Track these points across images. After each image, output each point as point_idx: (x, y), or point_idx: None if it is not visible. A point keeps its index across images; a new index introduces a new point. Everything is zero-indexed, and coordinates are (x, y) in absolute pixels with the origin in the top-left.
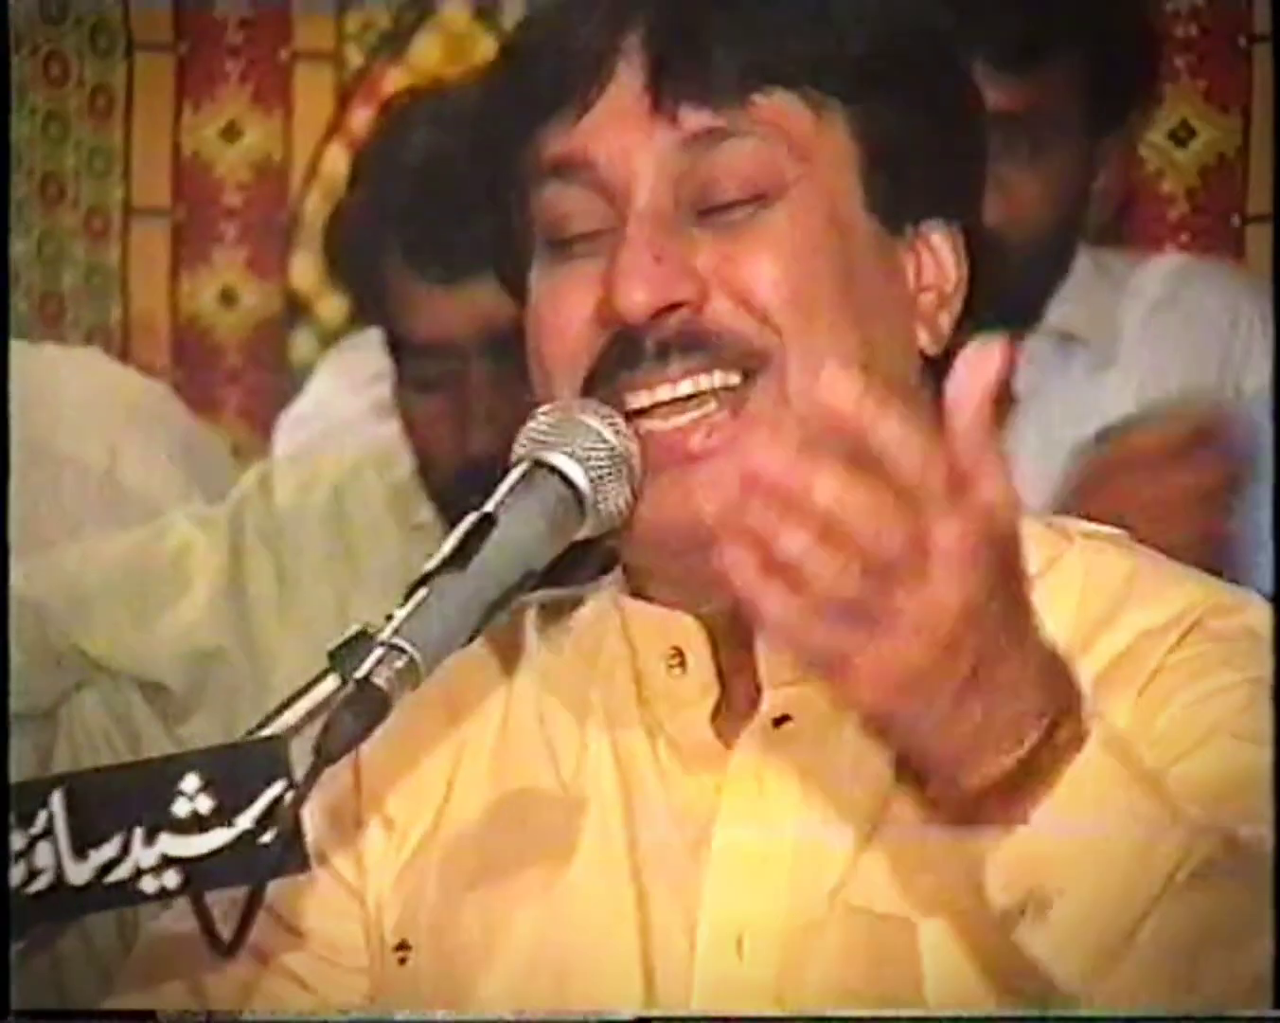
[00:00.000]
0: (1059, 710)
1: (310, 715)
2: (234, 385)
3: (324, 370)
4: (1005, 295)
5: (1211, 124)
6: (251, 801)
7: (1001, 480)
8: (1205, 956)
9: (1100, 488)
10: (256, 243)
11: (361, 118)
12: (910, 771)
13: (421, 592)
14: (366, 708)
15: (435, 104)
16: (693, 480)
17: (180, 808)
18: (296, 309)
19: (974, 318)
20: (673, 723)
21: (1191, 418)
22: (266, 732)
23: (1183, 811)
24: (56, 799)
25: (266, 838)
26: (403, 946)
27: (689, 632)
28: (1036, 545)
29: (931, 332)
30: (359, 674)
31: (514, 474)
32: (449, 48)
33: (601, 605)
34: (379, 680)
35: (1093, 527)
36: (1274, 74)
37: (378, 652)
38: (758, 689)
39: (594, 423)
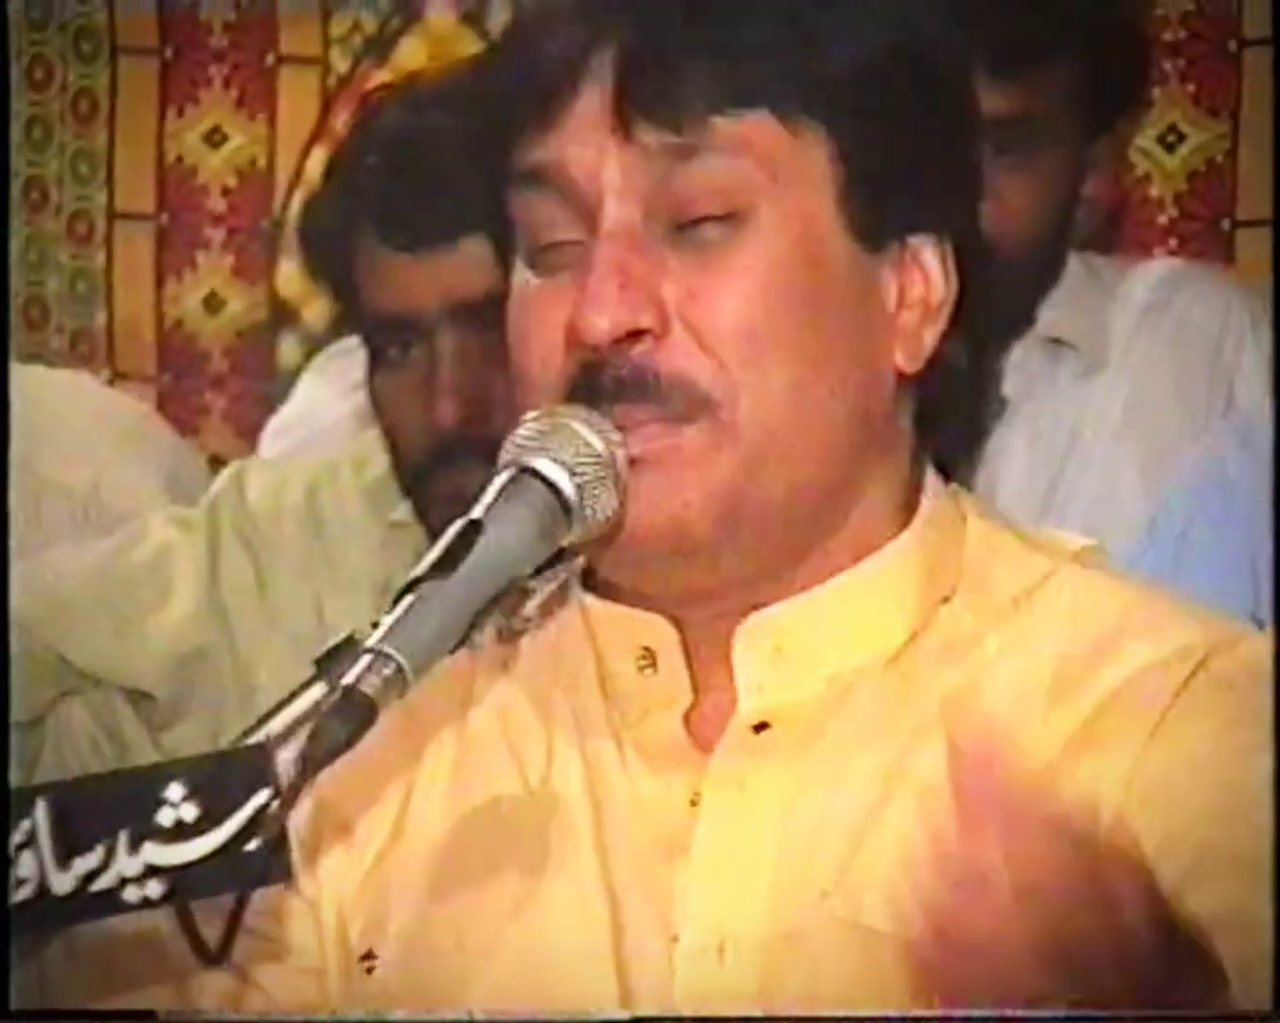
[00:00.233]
0: None
1: (296, 723)
2: (219, 391)
3: (309, 376)
4: (995, 301)
5: (1201, 128)
6: (236, 809)
7: None
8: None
9: None
10: (241, 248)
11: (346, 122)
12: None
13: (408, 598)
14: (353, 716)
15: (407, 90)
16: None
17: (164, 817)
18: (282, 315)
19: (965, 328)
20: (643, 725)
21: None
22: (252, 740)
23: None
24: (40, 808)
25: (251, 847)
26: (369, 955)
27: (661, 632)
28: (1017, 568)
29: (910, 349)
30: (346, 681)
31: (500, 480)
32: (435, 52)
33: (560, 602)
34: (366, 688)
35: (1077, 541)
36: (1273, 79)
37: (365, 659)
38: (733, 696)
39: (581, 429)
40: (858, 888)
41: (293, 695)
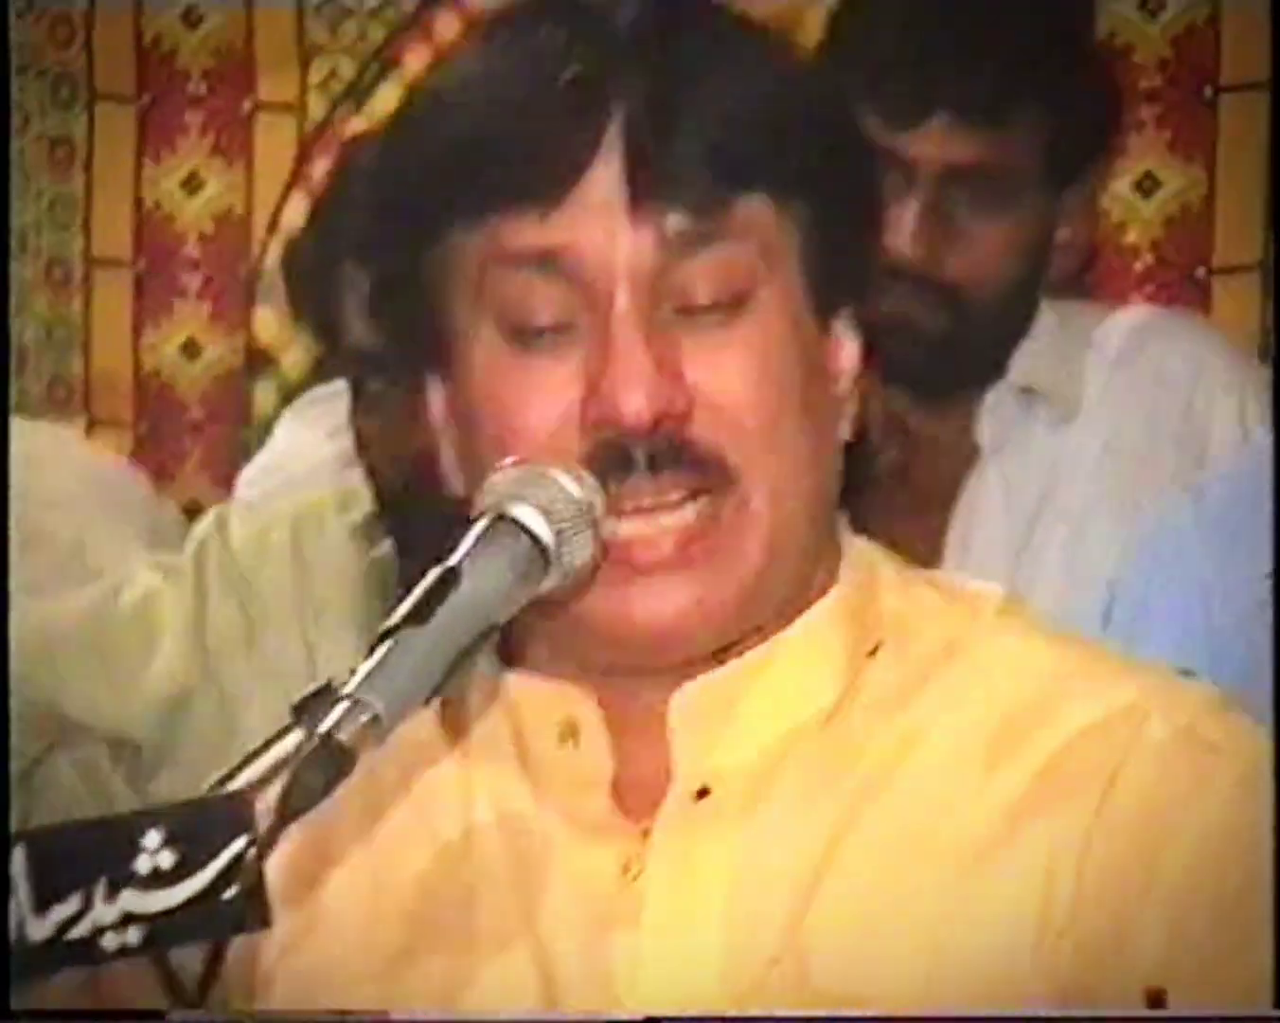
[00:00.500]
0: None
1: (274, 770)
2: (196, 438)
3: (286, 423)
4: (968, 350)
5: (1177, 175)
6: (214, 857)
7: None
8: None
9: None
10: (218, 295)
11: (324, 169)
12: None
13: (385, 646)
14: (331, 763)
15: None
16: (646, 591)
17: (142, 864)
18: (259, 362)
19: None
20: (568, 799)
21: None
22: (230, 787)
23: None
24: (17, 855)
25: (229, 895)
26: None
27: (582, 704)
28: (939, 619)
29: (847, 418)
30: (323, 729)
31: (478, 527)
32: None
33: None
34: (343, 736)
35: (994, 590)
36: (1270, 121)
37: (342, 706)
38: (664, 764)
39: (558, 476)
40: (806, 951)
41: (269, 742)
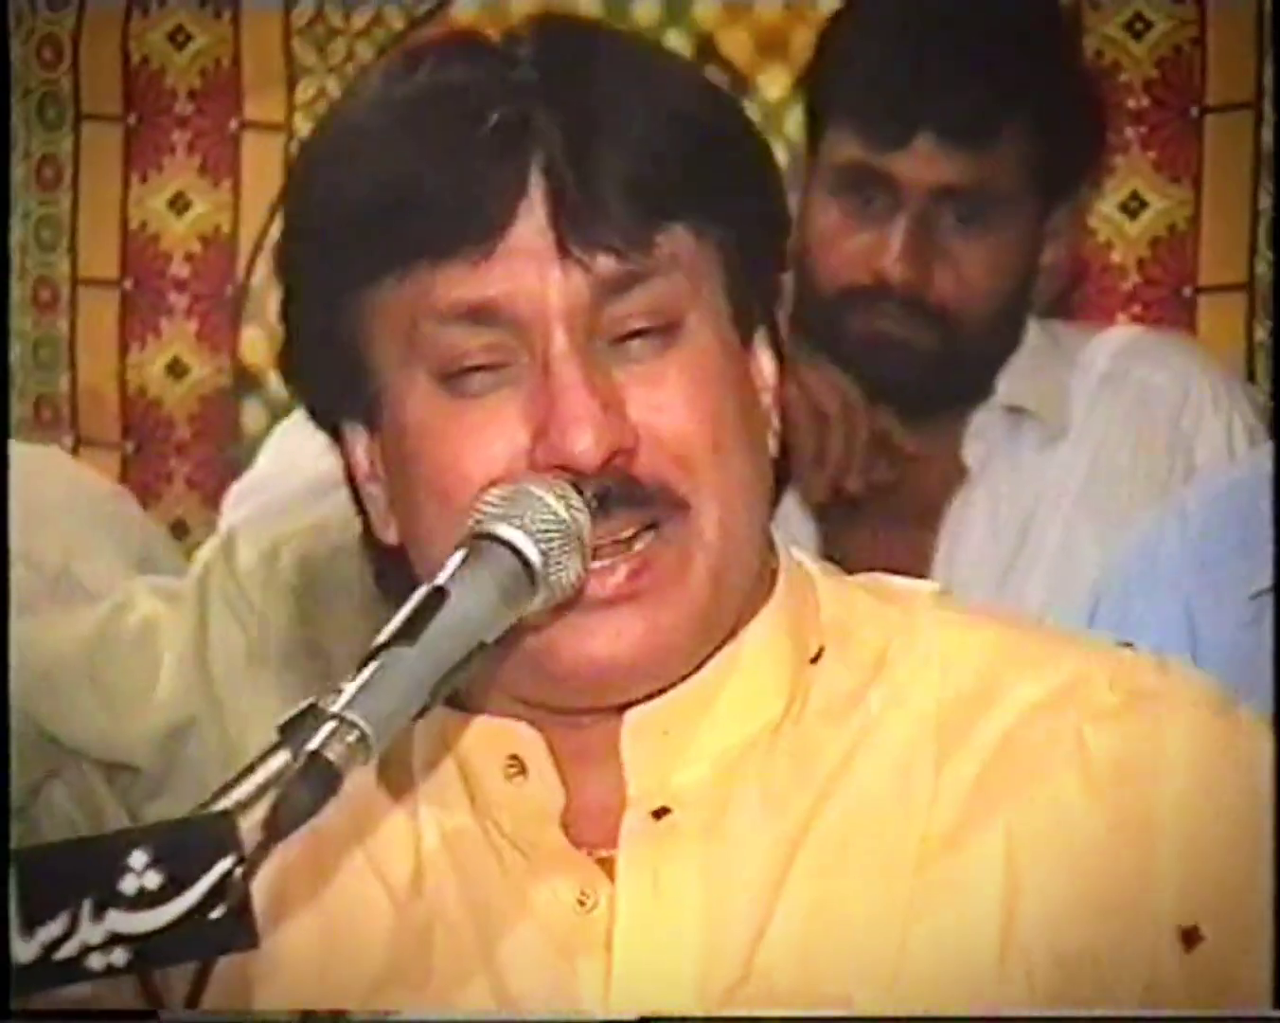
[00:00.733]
0: None
1: (261, 790)
2: (183, 457)
3: (274, 442)
4: (955, 369)
5: (1162, 195)
6: (200, 877)
7: None
8: None
9: None
10: (205, 314)
11: None
12: None
13: (372, 665)
14: (318, 782)
15: None
16: (600, 624)
17: (128, 884)
18: (246, 381)
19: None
20: (519, 833)
21: None
22: (216, 807)
23: None
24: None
25: (215, 915)
26: None
27: (526, 739)
28: (877, 622)
29: (774, 436)
30: (310, 748)
31: (465, 547)
32: None
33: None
34: (330, 755)
35: (925, 587)
36: (1255, 141)
37: (329, 725)
38: (616, 789)
39: (545, 495)
40: (773, 960)
41: (256, 762)
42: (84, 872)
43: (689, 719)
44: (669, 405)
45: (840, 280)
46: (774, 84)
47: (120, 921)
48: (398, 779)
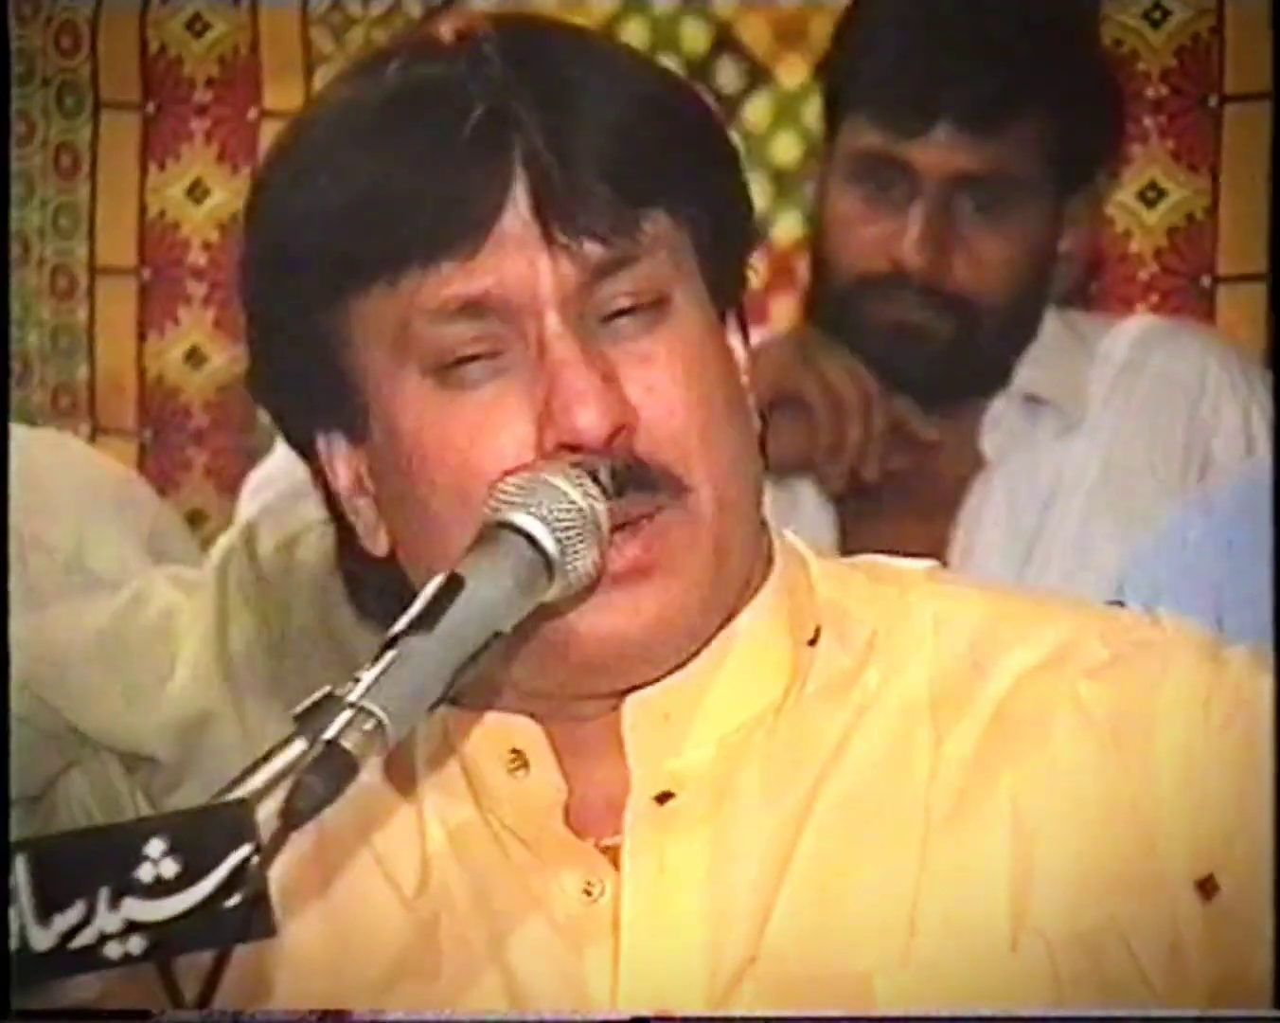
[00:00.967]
0: None
1: (277, 778)
2: (201, 446)
3: None
4: (973, 358)
5: (1180, 184)
6: (217, 865)
7: None
8: None
9: None
10: (223, 303)
11: None
12: None
13: (389, 654)
14: (334, 771)
15: None
16: (618, 600)
17: (145, 873)
18: None
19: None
20: (522, 825)
21: None
22: (232, 796)
23: None
24: (20, 865)
25: (232, 903)
26: None
27: (527, 732)
28: (871, 601)
29: (755, 414)
30: (326, 736)
31: (482, 536)
32: None
33: None
34: (347, 743)
35: (917, 565)
36: (1274, 130)
37: (345, 714)
38: (619, 776)
39: (562, 484)
40: (783, 939)
41: (273, 751)
42: (101, 860)
43: (690, 703)
44: (660, 386)
45: (858, 268)
46: (792, 73)
47: (137, 909)
48: (403, 777)
